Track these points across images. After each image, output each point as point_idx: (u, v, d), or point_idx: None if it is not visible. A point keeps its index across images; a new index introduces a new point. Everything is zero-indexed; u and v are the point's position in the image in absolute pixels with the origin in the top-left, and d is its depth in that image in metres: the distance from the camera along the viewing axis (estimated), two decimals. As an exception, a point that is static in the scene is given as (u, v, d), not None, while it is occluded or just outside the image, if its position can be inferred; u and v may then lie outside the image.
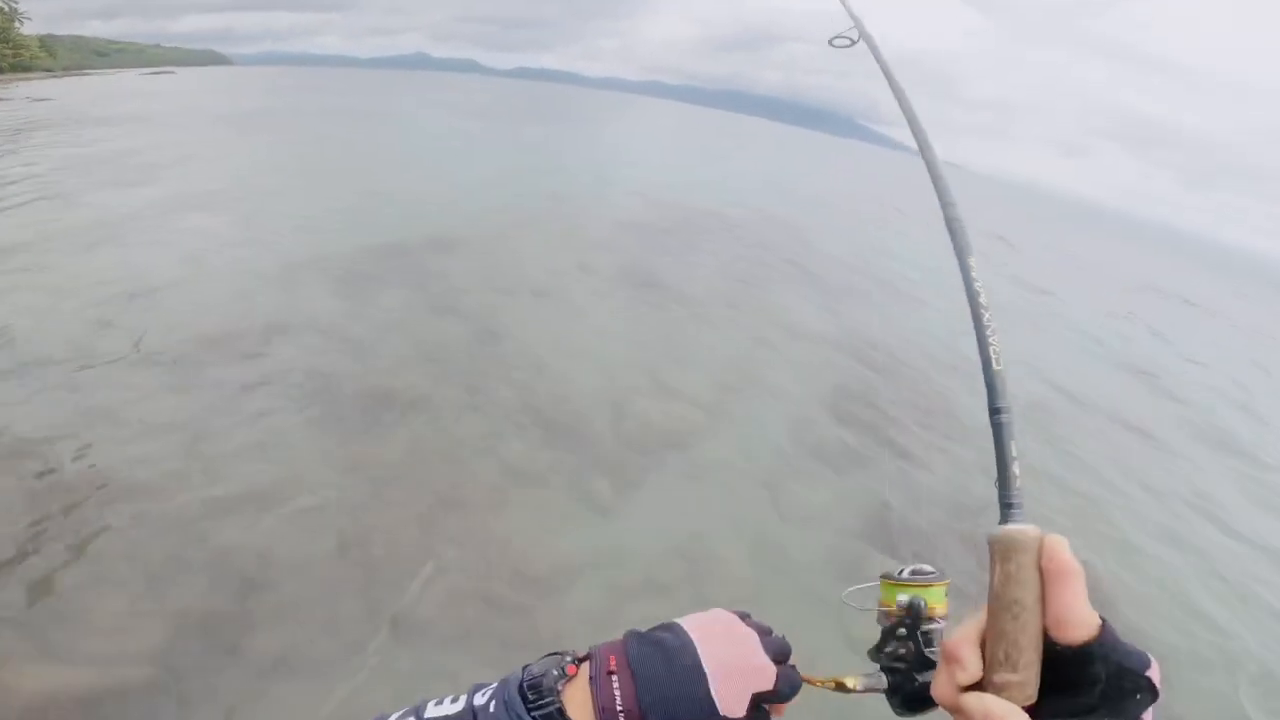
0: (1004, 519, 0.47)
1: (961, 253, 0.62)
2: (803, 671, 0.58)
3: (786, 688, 0.57)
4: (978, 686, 0.44)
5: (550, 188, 13.79)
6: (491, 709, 0.56)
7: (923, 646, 0.55)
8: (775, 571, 3.70)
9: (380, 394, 4.73)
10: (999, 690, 0.43)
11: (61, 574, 2.91)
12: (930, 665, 0.55)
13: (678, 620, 0.60)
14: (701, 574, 3.55)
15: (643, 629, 0.60)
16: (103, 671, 2.52)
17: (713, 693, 0.54)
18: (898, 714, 0.56)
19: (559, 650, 0.61)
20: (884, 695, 0.57)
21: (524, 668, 0.59)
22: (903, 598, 0.57)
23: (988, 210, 38.93)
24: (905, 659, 0.56)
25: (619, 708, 0.53)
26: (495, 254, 8.49)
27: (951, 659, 0.46)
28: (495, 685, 0.59)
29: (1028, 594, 0.43)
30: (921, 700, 0.54)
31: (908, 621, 0.56)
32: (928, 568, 0.57)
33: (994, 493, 0.51)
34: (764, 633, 0.60)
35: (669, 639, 0.57)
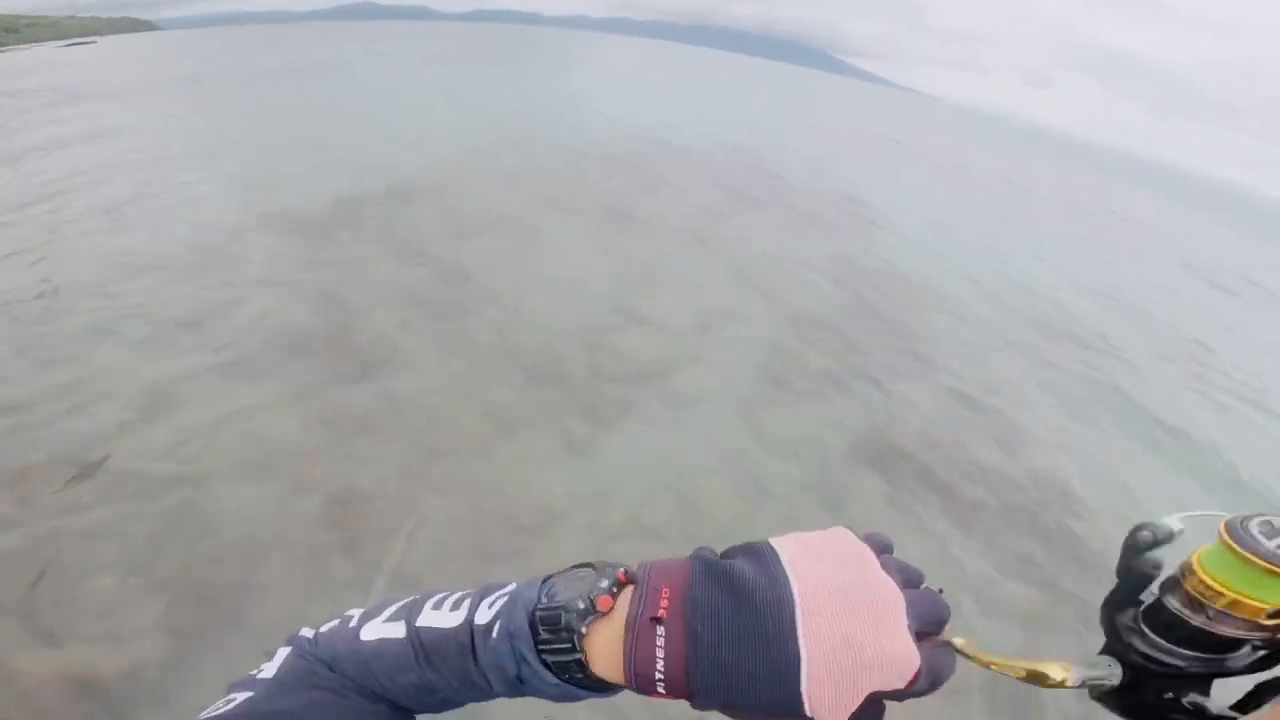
0: None
1: None
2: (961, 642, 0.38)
3: (927, 683, 0.35)
4: None
5: (512, 130, 13.25)
6: (494, 634, 0.43)
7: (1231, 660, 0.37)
8: (761, 502, 3.69)
9: (349, 346, 4.60)
10: None
11: (48, 554, 2.84)
12: (1209, 679, 0.37)
13: (773, 542, 0.40)
14: (690, 509, 3.54)
15: (718, 549, 0.42)
16: (102, 650, 2.48)
17: (803, 690, 0.34)
18: (1111, 710, 0.40)
19: (595, 563, 0.44)
20: (1090, 689, 0.40)
21: (544, 581, 0.44)
22: None
23: (958, 140, 38.53)
24: (1187, 662, 0.37)
25: (658, 674, 0.37)
26: (458, 198, 8.19)
27: None
28: (505, 598, 0.45)
29: None
30: (1146, 713, 0.39)
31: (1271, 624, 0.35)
32: None
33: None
34: (908, 582, 0.38)
35: (753, 579, 0.37)
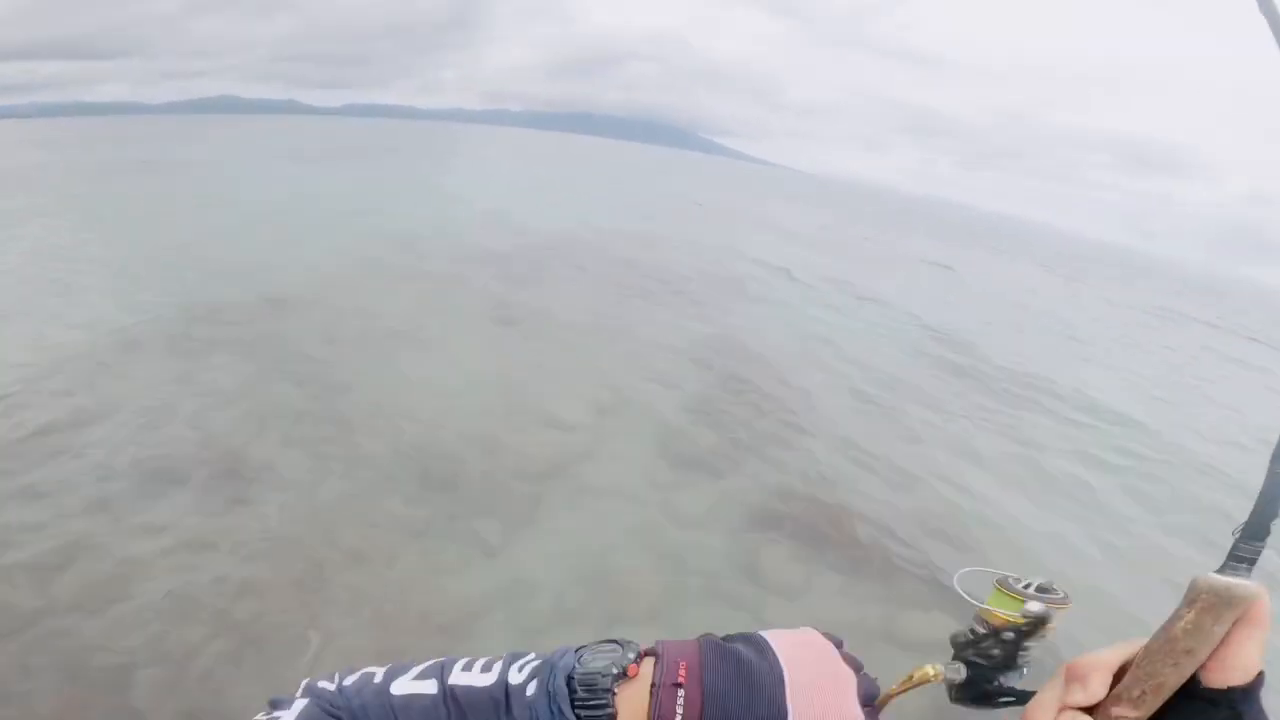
0: (1226, 569, 0.41)
1: None
2: (880, 682, 0.54)
3: None
4: (1086, 709, 0.42)
5: (388, 231, 13.04)
6: (529, 692, 0.49)
7: (1016, 653, 0.53)
8: (680, 576, 3.77)
9: (228, 468, 4.26)
10: None
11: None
12: (1010, 669, 0.53)
13: (764, 634, 0.52)
14: (608, 594, 3.55)
15: (719, 636, 0.53)
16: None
17: None
18: (956, 702, 0.55)
19: (619, 639, 0.53)
20: (947, 686, 0.55)
21: (576, 651, 0.52)
22: (1034, 607, 0.53)
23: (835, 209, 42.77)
24: (993, 659, 0.53)
25: None
26: (334, 305, 7.86)
27: (1075, 679, 0.43)
28: (537, 661, 0.52)
29: (1204, 648, 0.40)
30: (989, 698, 0.54)
31: (1023, 630, 0.52)
32: (1056, 588, 0.54)
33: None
34: (857, 669, 0.52)
35: (753, 660, 0.50)
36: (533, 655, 0.53)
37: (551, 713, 0.48)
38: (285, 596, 3.25)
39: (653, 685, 0.48)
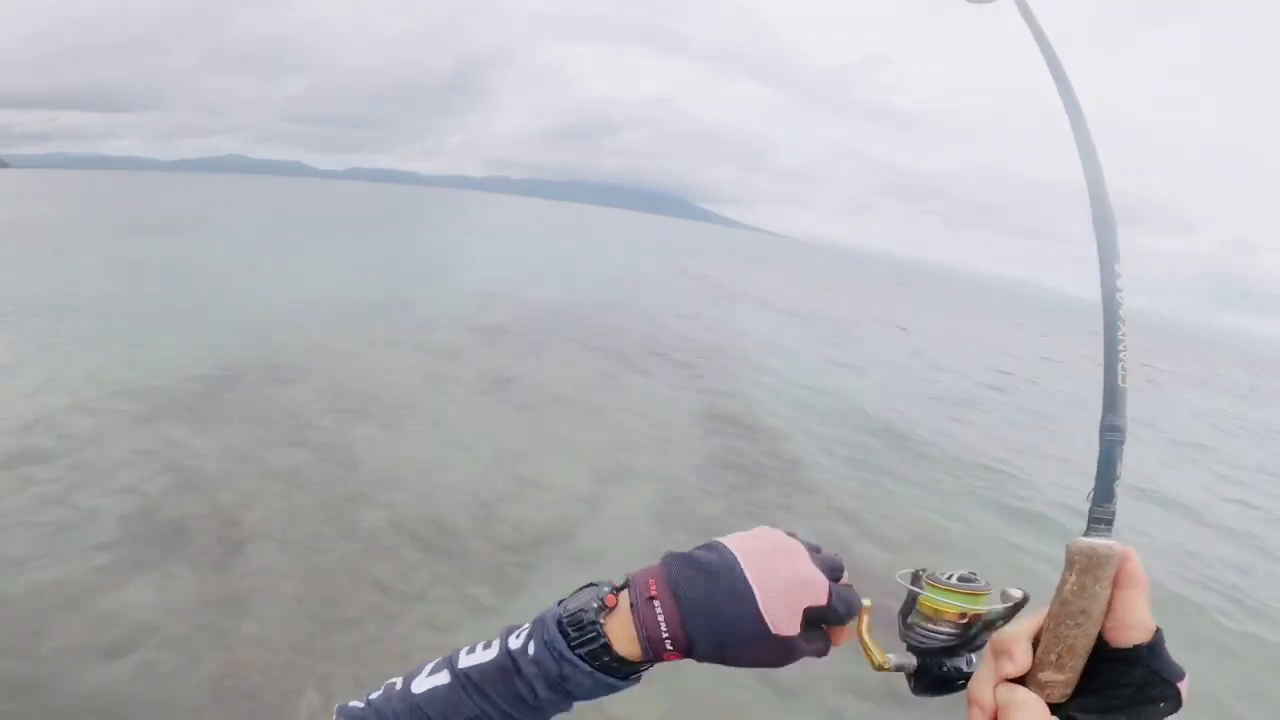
0: (1090, 532, 0.46)
1: (1106, 254, 0.50)
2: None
3: (841, 605, 0.54)
4: (1018, 680, 0.45)
5: (389, 298, 13.34)
6: (531, 651, 0.54)
7: (962, 638, 0.55)
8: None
9: (229, 532, 4.33)
10: (1040, 688, 0.43)
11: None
12: (954, 653, 0.55)
13: (719, 538, 0.56)
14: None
15: (682, 551, 0.56)
16: None
17: (761, 610, 0.51)
18: (917, 694, 0.57)
19: (593, 581, 0.58)
20: (905, 676, 0.57)
21: (559, 603, 0.57)
22: (988, 606, 0.54)
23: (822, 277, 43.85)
24: (938, 645, 0.55)
25: (664, 633, 0.51)
26: (338, 373, 8.01)
27: (1002, 652, 0.45)
28: (529, 626, 0.56)
29: (1095, 606, 0.43)
30: (944, 684, 0.55)
31: (985, 622, 0.54)
32: (974, 576, 0.55)
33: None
34: (813, 549, 0.56)
35: (710, 558, 0.53)
36: (525, 624, 0.58)
37: (554, 659, 0.52)
38: (284, 656, 3.30)
39: (631, 606, 0.53)
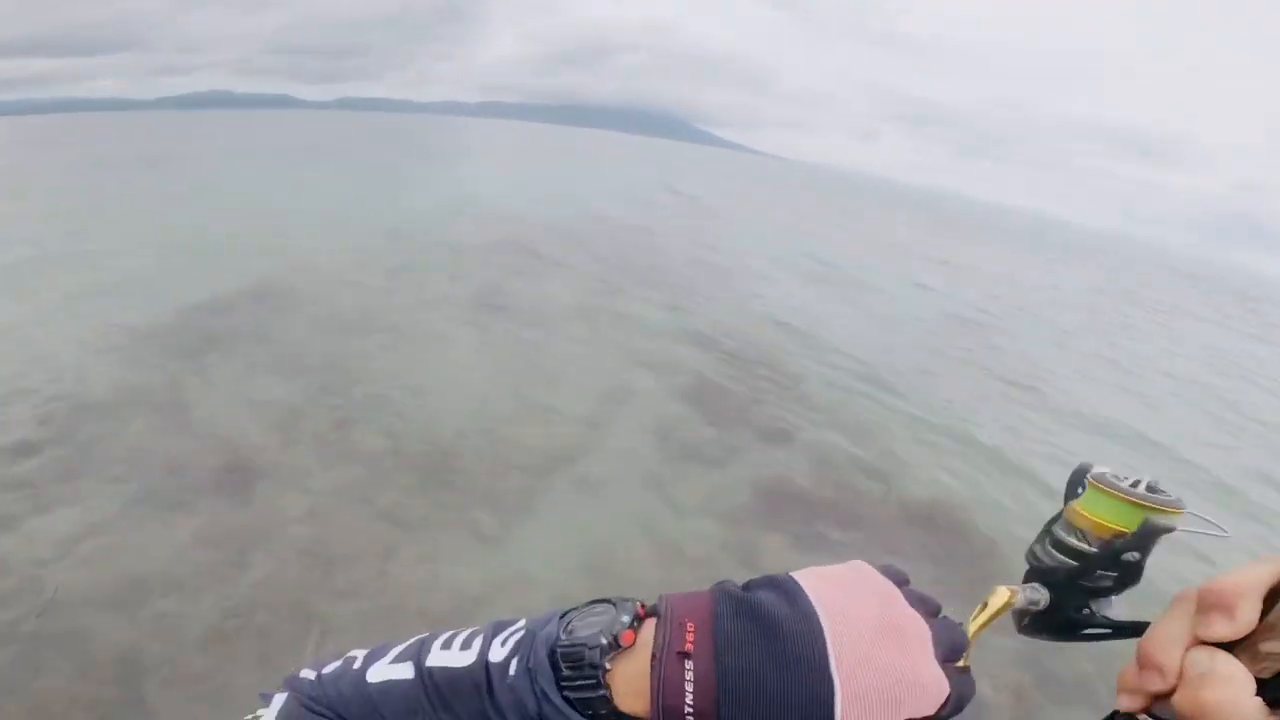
0: None
1: None
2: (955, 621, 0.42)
3: (955, 709, 0.37)
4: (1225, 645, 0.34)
5: (385, 224, 13.00)
6: (511, 671, 0.42)
7: (1137, 574, 0.43)
8: (679, 565, 3.76)
9: (229, 464, 4.24)
10: (1254, 660, 0.32)
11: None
12: (1104, 594, 0.44)
13: (796, 576, 0.40)
14: (608, 583, 3.52)
15: (738, 582, 0.42)
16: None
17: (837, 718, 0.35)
18: (1024, 632, 0.46)
19: (614, 598, 0.44)
20: (1020, 613, 0.46)
21: (561, 616, 0.44)
22: (1161, 520, 0.42)
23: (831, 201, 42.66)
24: (1099, 583, 0.43)
25: (688, 707, 0.37)
26: (334, 298, 7.85)
27: (1216, 607, 0.33)
28: (520, 633, 0.44)
29: None
30: (1072, 629, 0.45)
31: (1132, 544, 0.42)
32: (1164, 489, 0.43)
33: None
34: (932, 612, 0.40)
35: (782, 613, 0.38)
36: (519, 624, 0.46)
37: (535, 694, 0.41)
38: (286, 590, 3.24)
39: (653, 655, 0.39)
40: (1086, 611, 0.44)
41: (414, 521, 3.88)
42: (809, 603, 0.38)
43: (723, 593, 0.41)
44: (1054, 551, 0.45)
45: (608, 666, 0.40)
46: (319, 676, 0.48)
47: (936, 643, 0.37)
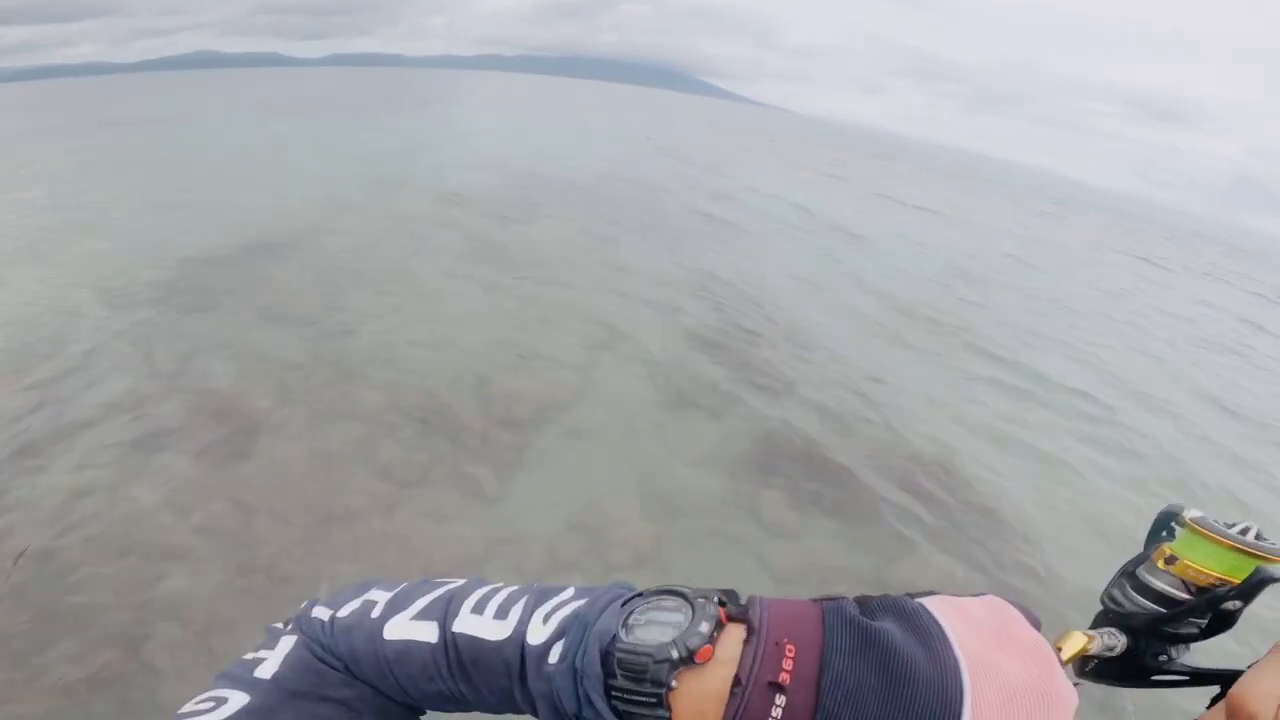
0: None
1: None
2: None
3: None
4: None
5: (377, 177, 12.77)
6: (552, 659, 0.36)
7: (1230, 623, 0.40)
8: (676, 519, 3.77)
9: (225, 420, 4.24)
10: None
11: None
12: (1185, 640, 0.41)
13: (929, 606, 0.33)
14: (604, 539, 3.55)
15: (851, 600, 0.35)
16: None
17: None
18: (1086, 676, 0.43)
19: (688, 592, 0.36)
20: (1087, 658, 0.43)
21: (624, 605, 0.37)
22: (1275, 570, 0.38)
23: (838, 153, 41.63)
24: (1188, 631, 0.41)
25: None
26: (327, 251, 7.77)
27: None
28: (568, 609, 0.38)
29: None
30: (1144, 675, 0.42)
31: (1236, 593, 0.39)
32: (1267, 535, 0.40)
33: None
34: (1075, 679, 0.37)
35: (914, 657, 0.30)
36: (567, 595, 0.39)
37: (579, 698, 0.35)
38: (288, 547, 3.26)
39: (736, 679, 0.31)
40: (1164, 658, 0.41)
41: (412, 477, 3.88)
42: (950, 650, 0.30)
43: (837, 612, 0.33)
44: (1136, 596, 0.41)
45: (673, 685, 0.32)
46: (333, 619, 0.42)
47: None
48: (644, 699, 0.33)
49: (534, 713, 0.37)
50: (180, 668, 2.61)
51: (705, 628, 0.33)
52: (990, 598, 0.35)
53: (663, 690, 0.32)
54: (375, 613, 0.41)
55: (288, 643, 0.42)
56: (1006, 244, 15.70)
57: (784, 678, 0.30)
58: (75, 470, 3.69)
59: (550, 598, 0.39)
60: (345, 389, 4.73)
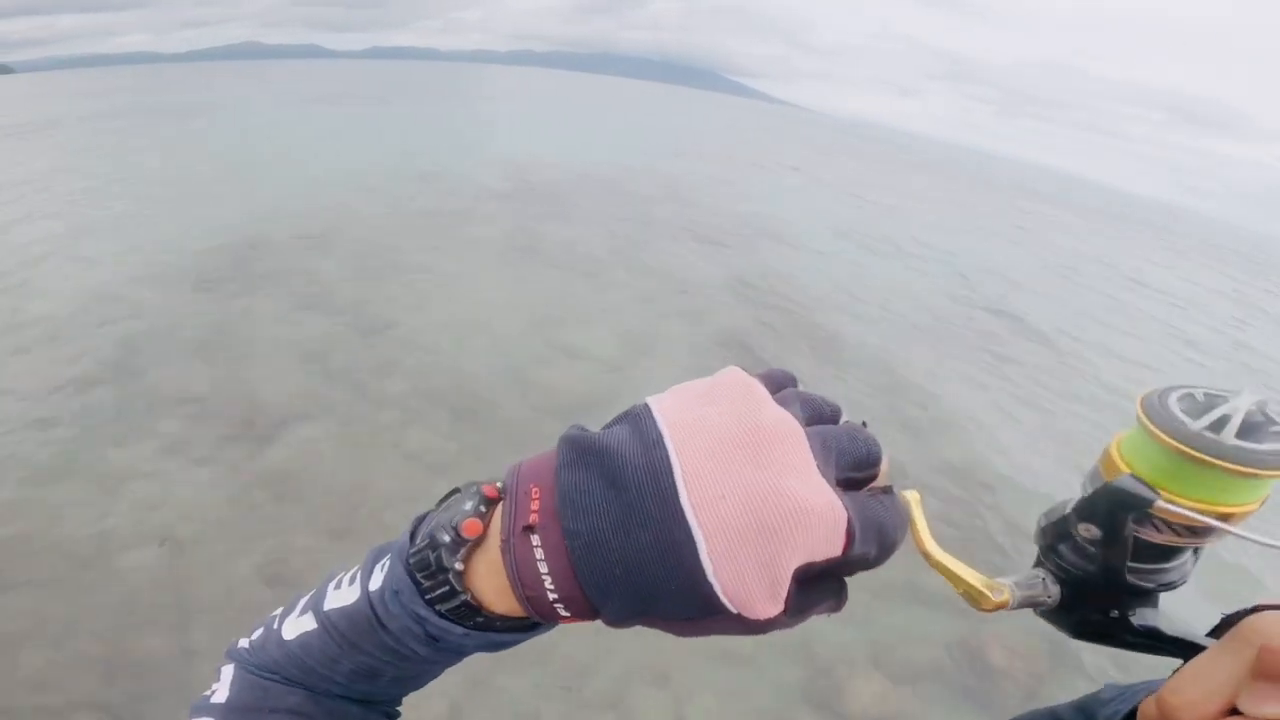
0: None
1: None
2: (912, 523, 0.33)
3: (872, 546, 0.29)
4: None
5: (415, 170, 12.90)
6: (387, 599, 0.36)
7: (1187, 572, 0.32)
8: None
9: (262, 408, 4.31)
10: None
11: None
12: (1142, 596, 0.32)
13: (651, 402, 0.32)
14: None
15: (587, 427, 0.34)
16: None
17: (712, 582, 0.27)
18: (1065, 631, 0.36)
19: (460, 485, 0.37)
20: (1034, 611, 0.35)
21: (416, 523, 0.37)
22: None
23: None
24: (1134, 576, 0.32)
25: (550, 592, 0.30)
26: (366, 241, 7.87)
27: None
28: (390, 554, 0.38)
29: None
30: (1101, 635, 0.34)
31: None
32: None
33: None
34: (818, 417, 0.32)
35: (626, 451, 0.29)
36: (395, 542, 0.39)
37: (411, 617, 0.34)
38: (320, 535, 3.29)
39: (503, 540, 0.31)
40: (1115, 615, 0.32)
41: (446, 464, 3.91)
42: (656, 427, 0.29)
43: (565, 439, 0.32)
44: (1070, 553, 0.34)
45: (460, 566, 0.32)
46: (250, 645, 0.44)
47: (821, 451, 0.28)
48: (442, 590, 0.33)
49: (417, 652, 0.36)
50: (217, 652, 2.65)
51: (469, 505, 0.33)
52: (730, 369, 0.33)
53: (450, 574, 0.32)
54: (275, 624, 0.43)
55: (229, 671, 0.44)
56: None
57: (533, 518, 0.30)
58: (107, 449, 3.77)
59: (386, 551, 0.39)
60: (379, 377, 4.78)
